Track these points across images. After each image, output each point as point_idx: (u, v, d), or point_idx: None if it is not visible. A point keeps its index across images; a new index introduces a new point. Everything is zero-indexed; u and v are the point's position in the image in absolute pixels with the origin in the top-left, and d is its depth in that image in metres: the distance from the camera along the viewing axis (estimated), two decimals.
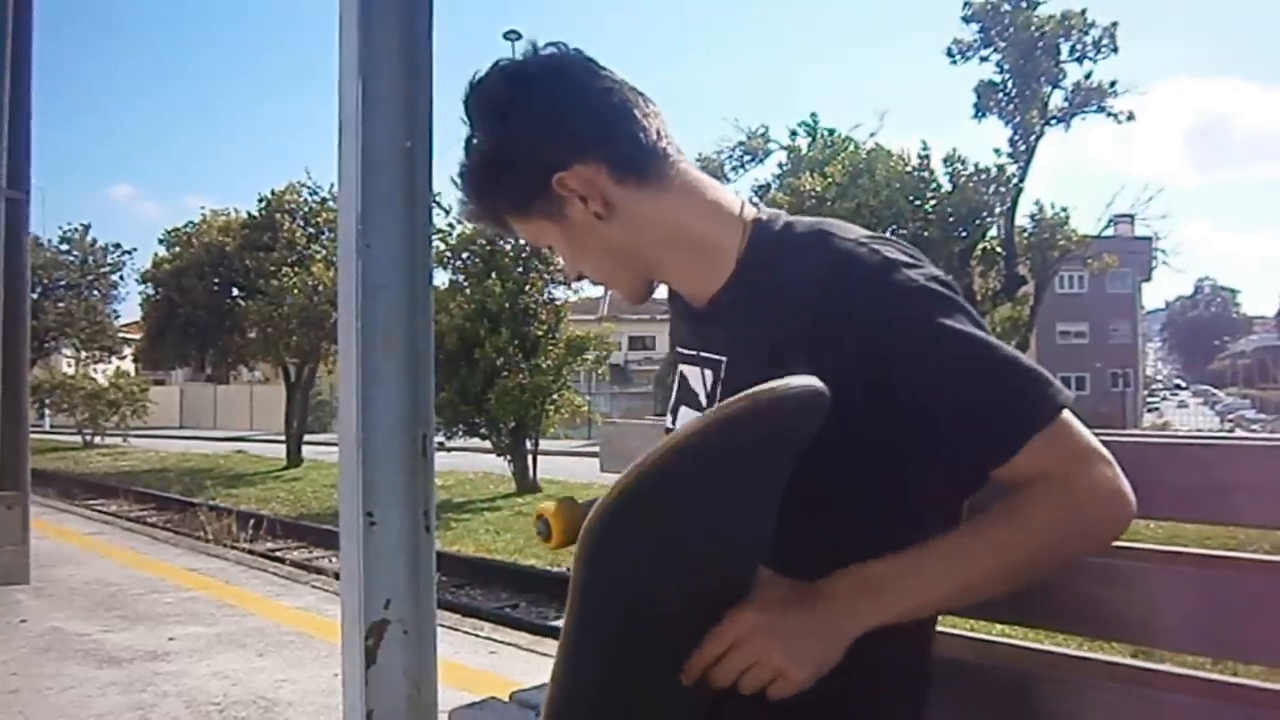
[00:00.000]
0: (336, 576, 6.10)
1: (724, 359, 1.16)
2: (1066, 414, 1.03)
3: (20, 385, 5.67)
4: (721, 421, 0.89)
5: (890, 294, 1.04)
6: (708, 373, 1.18)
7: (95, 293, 37.06)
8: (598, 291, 24.21)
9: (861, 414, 1.03)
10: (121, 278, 37.23)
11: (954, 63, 23.01)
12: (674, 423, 1.24)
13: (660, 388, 32.11)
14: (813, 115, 23.17)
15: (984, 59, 22.63)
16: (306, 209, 22.32)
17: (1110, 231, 23.68)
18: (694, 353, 1.22)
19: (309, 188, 22.57)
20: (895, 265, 1.05)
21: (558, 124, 1.14)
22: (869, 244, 1.08)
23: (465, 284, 16.40)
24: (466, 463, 16.89)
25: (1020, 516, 1.01)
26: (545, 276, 16.41)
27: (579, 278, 1.25)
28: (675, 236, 1.17)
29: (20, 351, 5.66)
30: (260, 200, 22.65)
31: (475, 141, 1.18)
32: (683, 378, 1.24)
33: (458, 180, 1.21)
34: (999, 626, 1.45)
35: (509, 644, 4.39)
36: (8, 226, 5.59)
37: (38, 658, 3.97)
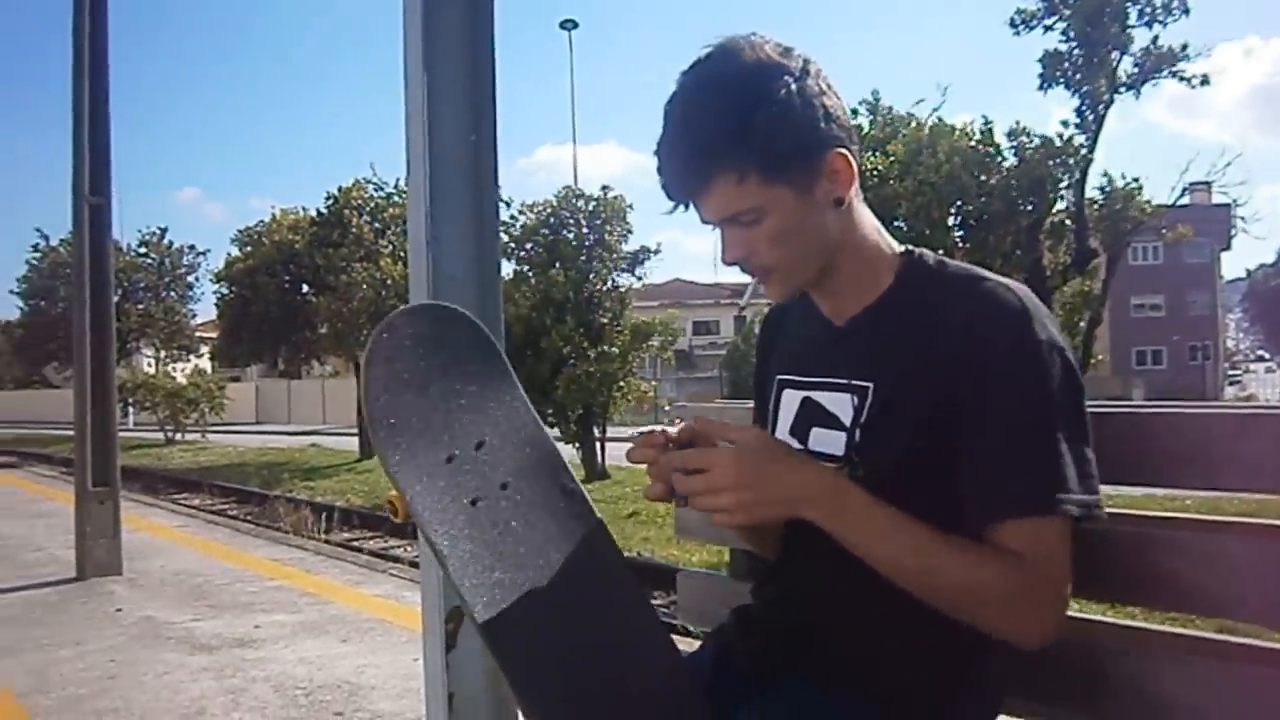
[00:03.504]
0: (413, 565, 6.22)
1: (870, 384, 1.16)
2: (1065, 522, 1.07)
3: (109, 386, 5.87)
4: (395, 319, 1.19)
5: (1021, 338, 1.10)
6: (851, 397, 1.18)
7: (173, 294, 38.23)
8: (658, 278, 24.16)
9: (959, 429, 1.10)
10: (196, 279, 38.40)
11: (1017, 33, 22.42)
12: (804, 445, 1.22)
13: (727, 370, 31.94)
14: (874, 93, 22.64)
15: (1048, 28, 22.01)
16: (373, 205, 22.63)
17: (1186, 200, 22.88)
18: (827, 380, 1.21)
19: (375, 184, 22.87)
20: (1032, 315, 1.11)
21: (838, 105, 1.15)
22: (1015, 289, 1.13)
23: (530, 274, 16.53)
24: None
25: (981, 559, 1.07)
26: (609, 264, 16.47)
27: (734, 262, 1.18)
28: (860, 246, 1.21)
29: (108, 354, 5.85)
30: (328, 198, 23.04)
31: (751, 92, 1.10)
32: (810, 402, 1.23)
33: (696, 122, 1.11)
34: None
35: None
36: (92, 231, 5.78)
37: (133, 645, 4.13)
